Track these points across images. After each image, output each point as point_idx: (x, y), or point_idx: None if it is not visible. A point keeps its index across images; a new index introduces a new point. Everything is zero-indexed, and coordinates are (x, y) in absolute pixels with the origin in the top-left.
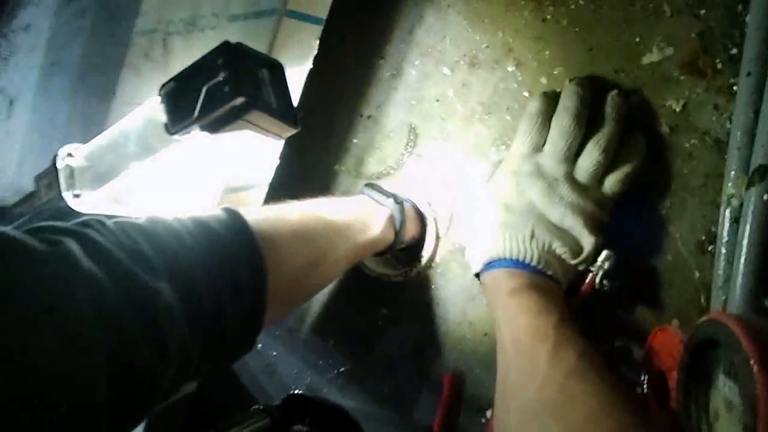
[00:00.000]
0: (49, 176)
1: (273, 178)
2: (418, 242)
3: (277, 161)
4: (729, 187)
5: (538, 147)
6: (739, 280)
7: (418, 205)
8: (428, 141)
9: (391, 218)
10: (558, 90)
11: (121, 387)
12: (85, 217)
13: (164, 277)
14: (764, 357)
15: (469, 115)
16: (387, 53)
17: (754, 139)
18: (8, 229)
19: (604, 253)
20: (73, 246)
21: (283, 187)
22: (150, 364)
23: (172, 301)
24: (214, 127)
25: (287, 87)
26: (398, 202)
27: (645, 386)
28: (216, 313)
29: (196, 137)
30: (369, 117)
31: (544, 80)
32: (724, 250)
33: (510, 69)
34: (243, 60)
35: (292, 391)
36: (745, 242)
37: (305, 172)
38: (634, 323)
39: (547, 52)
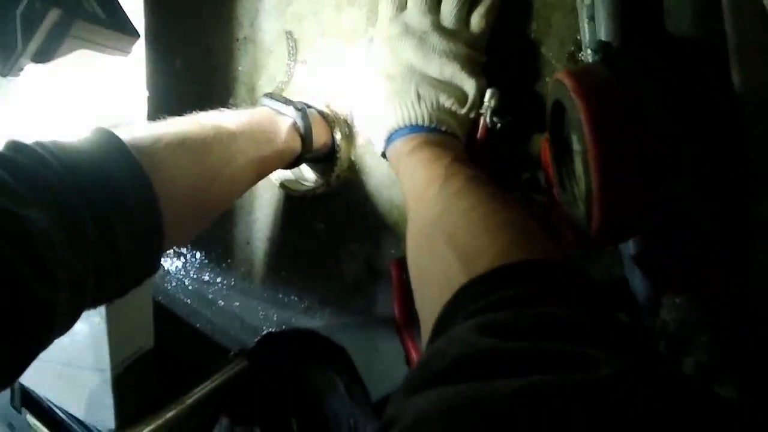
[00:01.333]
0: None
1: (148, 115)
2: (331, 147)
3: (146, 92)
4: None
5: (402, 6)
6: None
7: (320, 110)
8: (309, 43)
9: (295, 125)
10: None
11: (10, 315)
12: None
13: (33, 204)
14: (582, 85)
15: (338, 2)
16: None
17: None
18: None
19: (488, 92)
20: None
21: None
22: (34, 288)
23: (47, 226)
24: (44, 53)
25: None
26: (299, 108)
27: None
28: (103, 232)
29: (31, 72)
30: (245, 38)
31: None
32: (589, 51)
33: None
34: None
35: (263, 332)
36: (602, 32)
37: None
38: (533, 152)
39: None
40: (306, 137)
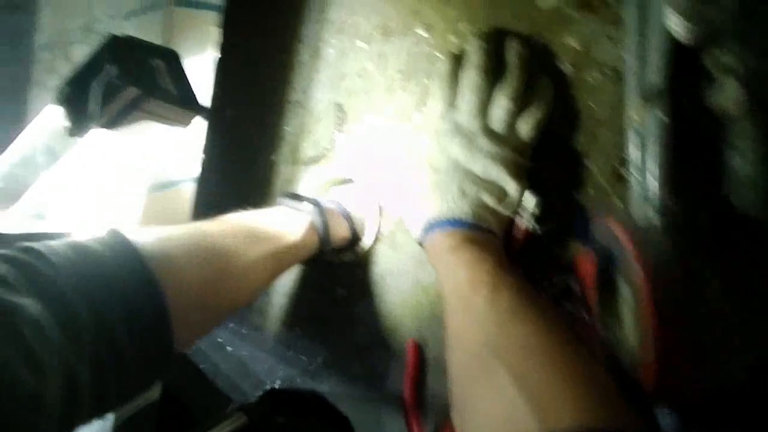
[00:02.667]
0: None
1: (202, 174)
2: (352, 238)
3: (201, 154)
4: (632, 114)
5: (453, 105)
6: (649, 195)
7: (353, 188)
8: (356, 117)
9: (312, 224)
10: (465, 47)
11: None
12: None
13: (29, 295)
14: (639, 247)
15: (390, 84)
16: (303, 35)
17: (646, 62)
18: None
19: (531, 198)
20: None
21: (219, 184)
22: (21, 375)
23: (40, 316)
24: (114, 122)
25: (185, 74)
26: (315, 205)
27: (586, 315)
28: (101, 333)
29: (98, 135)
30: (297, 102)
31: (452, 38)
32: (635, 177)
33: (420, 33)
34: (132, 52)
35: (267, 387)
36: (650, 162)
37: (240, 166)
38: (569, 258)
39: (450, 10)
40: (323, 234)
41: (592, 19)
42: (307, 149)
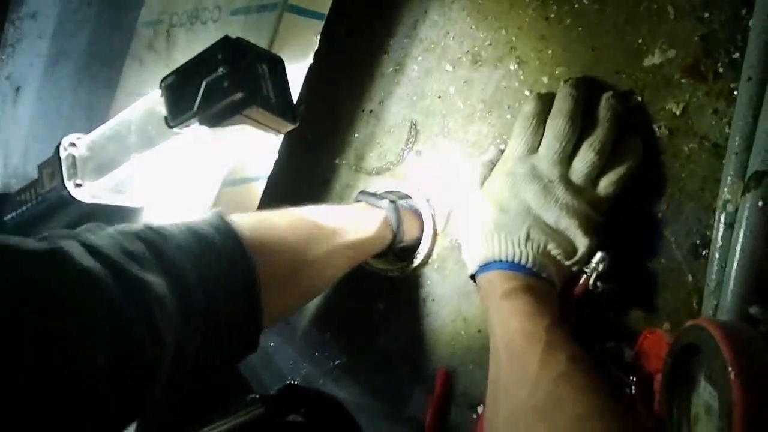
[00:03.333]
0: (52, 165)
1: (272, 172)
2: (418, 241)
3: (276, 155)
4: (725, 193)
5: (533, 149)
6: (731, 285)
7: (415, 203)
8: (429, 137)
9: (387, 219)
10: (555, 91)
11: (121, 367)
12: (86, 225)
13: (154, 271)
14: (741, 363)
15: (470, 113)
16: (390, 48)
17: (752, 144)
18: (12, 238)
19: (599, 255)
20: (72, 245)
21: (283, 181)
22: (145, 346)
23: (163, 292)
24: (213, 121)
25: (287, 82)
26: (392, 201)
27: (633, 388)
28: (209, 309)
29: (195, 131)
30: (371, 112)
31: (545, 79)
32: (717, 255)
33: (512, 67)
34: (243, 55)
35: (287, 382)
36: (738, 248)
37: (306, 165)
38: (626, 324)
39: (549, 51)
40: (397, 230)
41: (699, 87)
42: (373, 159)
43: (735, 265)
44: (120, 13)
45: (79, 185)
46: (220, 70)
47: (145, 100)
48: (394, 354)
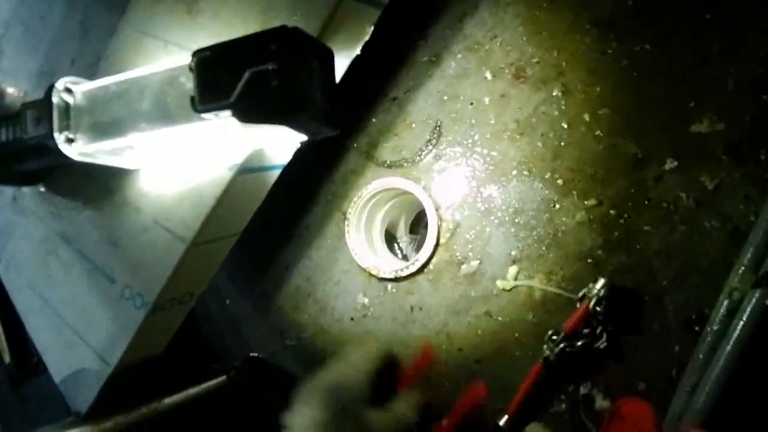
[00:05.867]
0: (40, 109)
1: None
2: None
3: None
4: (734, 280)
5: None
6: (717, 370)
7: (424, 208)
8: (451, 144)
9: None
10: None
11: None
12: None
13: None
14: None
15: (501, 130)
16: (429, 35)
17: None
18: None
19: (601, 281)
20: None
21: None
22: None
23: None
24: (250, 117)
25: (335, 82)
26: None
27: None
28: None
29: (224, 120)
30: (394, 99)
31: (587, 117)
32: (710, 338)
33: (555, 93)
34: (297, 49)
35: (252, 354)
36: (734, 336)
37: (316, 144)
38: (605, 375)
39: (597, 88)
40: None
41: (737, 169)
42: (386, 151)
43: (726, 351)
44: None
45: (70, 140)
46: (270, 65)
47: (169, 66)
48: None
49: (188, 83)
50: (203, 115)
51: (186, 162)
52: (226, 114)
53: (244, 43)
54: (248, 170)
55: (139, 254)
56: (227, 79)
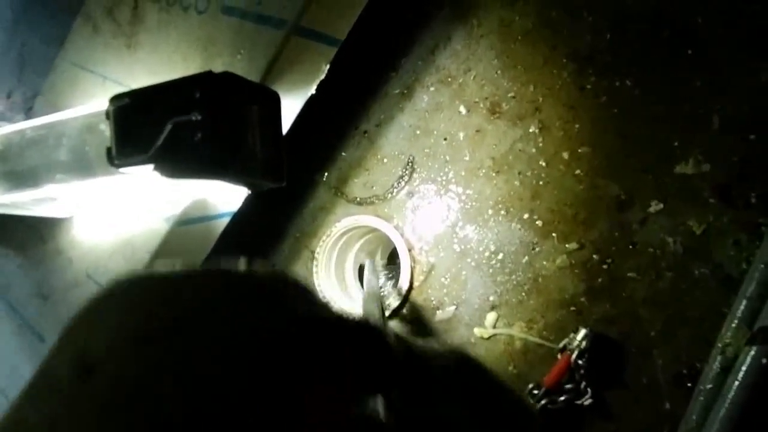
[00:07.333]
0: None
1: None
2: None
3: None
4: (727, 335)
5: None
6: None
7: (396, 250)
8: (425, 181)
9: None
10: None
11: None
12: None
13: None
14: None
15: (476, 167)
16: (401, 67)
17: None
18: None
19: (582, 332)
20: None
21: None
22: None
23: None
24: (173, 172)
25: (280, 128)
26: None
27: None
28: None
29: (145, 174)
30: (365, 132)
31: (566, 155)
32: (702, 397)
33: (532, 130)
34: (228, 97)
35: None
36: (729, 397)
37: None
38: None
39: (576, 125)
40: None
41: (726, 212)
42: (357, 187)
43: (722, 414)
44: None
45: None
46: (194, 115)
47: (87, 111)
48: None
49: (107, 137)
50: (122, 169)
51: (118, 212)
52: (148, 168)
53: (166, 89)
54: (188, 221)
55: (70, 311)
56: (148, 131)
